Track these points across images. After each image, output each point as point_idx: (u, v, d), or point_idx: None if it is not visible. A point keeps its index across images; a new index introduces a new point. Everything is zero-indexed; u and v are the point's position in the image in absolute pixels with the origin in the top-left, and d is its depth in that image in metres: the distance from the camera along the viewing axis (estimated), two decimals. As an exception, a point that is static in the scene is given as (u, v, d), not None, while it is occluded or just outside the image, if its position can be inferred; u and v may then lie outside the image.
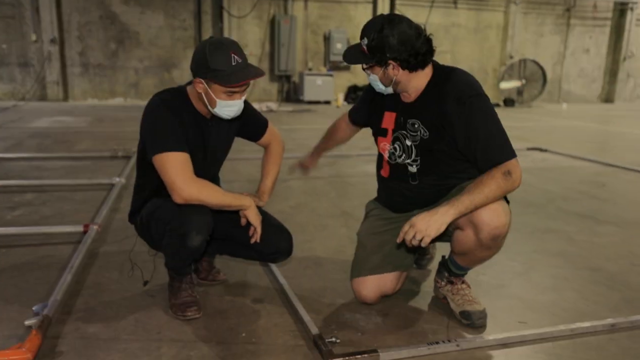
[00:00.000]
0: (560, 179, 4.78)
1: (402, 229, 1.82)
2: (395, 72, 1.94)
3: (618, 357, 1.84)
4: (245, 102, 2.06)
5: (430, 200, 2.09)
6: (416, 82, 1.99)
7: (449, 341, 1.87)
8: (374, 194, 2.36)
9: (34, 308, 1.94)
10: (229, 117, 2.02)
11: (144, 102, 2.22)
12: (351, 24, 12.47)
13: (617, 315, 2.11)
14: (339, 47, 12.19)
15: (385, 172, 2.19)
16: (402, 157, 2.08)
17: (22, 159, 5.04)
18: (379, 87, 2.03)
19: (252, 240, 2.09)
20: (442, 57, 12.98)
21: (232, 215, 2.09)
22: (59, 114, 8.94)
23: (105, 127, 7.61)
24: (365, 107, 2.29)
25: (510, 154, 1.86)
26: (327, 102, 12.02)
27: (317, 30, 12.43)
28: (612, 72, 14.84)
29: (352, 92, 12.53)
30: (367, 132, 2.36)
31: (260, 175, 2.32)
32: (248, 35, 11.83)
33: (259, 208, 2.14)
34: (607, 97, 15.00)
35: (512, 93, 13.13)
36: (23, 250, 2.70)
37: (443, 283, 2.17)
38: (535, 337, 1.94)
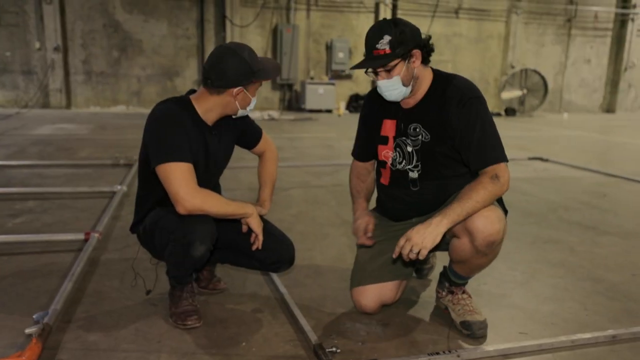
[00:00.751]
0: (562, 189, 4.78)
1: (397, 243, 1.83)
2: (416, 63, 1.97)
3: (619, 369, 1.83)
4: None
5: (431, 207, 2.10)
6: (424, 81, 2.03)
7: (450, 352, 1.86)
8: (374, 204, 2.36)
9: (34, 316, 1.94)
10: (247, 113, 2.13)
11: (146, 110, 2.23)
12: (353, 33, 12.54)
13: (617, 327, 2.10)
14: (341, 56, 12.25)
15: (385, 180, 2.20)
16: (403, 164, 2.10)
17: (24, 167, 5.06)
18: (398, 91, 1.98)
19: (254, 247, 2.09)
20: (444, 66, 13.02)
21: (234, 224, 2.10)
22: (62, 121, 8.98)
23: (107, 134, 7.64)
24: (363, 133, 2.28)
25: (501, 156, 1.92)
26: (329, 111, 12.05)
27: (319, 39, 12.49)
28: (613, 83, 14.87)
29: (354, 101, 12.57)
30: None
31: (259, 184, 2.34)
32: (250, 44, 11.79)
33: (262, 218, 2.15)
34: (609, 107, 15.02)
35: (514, 103, 13.16)
36: (24, 258, 2.70)
37: (444, 293, 2.17)
38: (535, 348, 1.93)
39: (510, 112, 13.00)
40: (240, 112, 2.07)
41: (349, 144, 2.52)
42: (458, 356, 1.85)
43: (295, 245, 2.24)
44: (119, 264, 2.64)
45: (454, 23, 13.25)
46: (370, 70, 2.00)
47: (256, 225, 2.05)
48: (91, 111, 11.14)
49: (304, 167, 5.36)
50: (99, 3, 11.10)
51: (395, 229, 2.18)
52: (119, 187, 4.07)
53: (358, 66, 1.99)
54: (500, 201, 2.04)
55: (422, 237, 1.78)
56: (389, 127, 2.13)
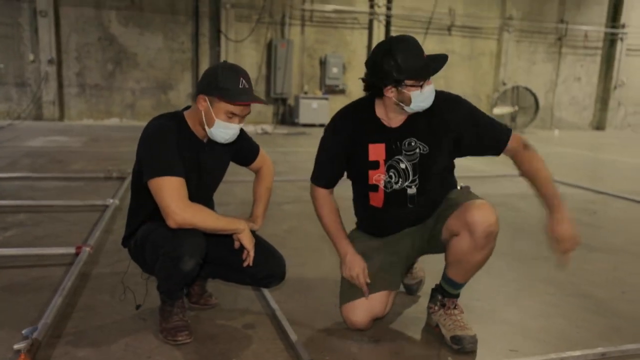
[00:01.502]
0: (552, 206, 4.80)
1: (555, 247, 2.00)
2: None
3: (608, 386, 1.84)
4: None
5: (422, 218, 2.18)
6: None
7: (440, 368, 1.87)
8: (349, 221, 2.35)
9: (23, 331, 1.93)
10: (224, 141, 2.05)
11: (139, 123, 2.24)
12: (347, 49, 12.66)
13: (606, 344, 2.12)
14: (335, 71, 12.35)
15: (378, 202, 2.17)
16: (400, 183, 2.11)
17: (15, 179, 5.04)
18: (430, 100, 2.01)
19: (245, 264, 2.09)
20: (436, 82, 12.99)
21: (225, 239, 2.10)
22: (54, 133, 8.96)
23: (100, 147, 7.63)
24: (334, 160, 2.18)
25: (508, 128, 2.14)
26: (322, 126, 12.05)
27: (313, 55, 12.59)
28: (603, 100, 15.06)
29: (347, 116, 12.61)
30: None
31: (253, 200, 2.34)
32: (245, 58, 11.96)
33: (253, 232, 2.15)
34: (599, 125, 15.19)
35: (505, 119, 13.26)
36: (14, 272, 2.69)
37: (436, 308, 2.17)
38: (525, 365, 1.94)
39: (502, 128, 13.10)
40: (210, 131, 2.00)
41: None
42: (448, 373, 1.85)
43: (287, 260, 2.25)
44: (110, 278, 2.63)
45: (447, 40, 13.41)
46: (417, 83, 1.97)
47: (248, 242, 2.06)
48: (84, 124, 11.12)
49: (297, 181, 5.37)
50: (95, 17, 11.14)
51: (382, 243, 2.21)
52: (111, 200, 4.06)
53: (435, 68, 1.95)
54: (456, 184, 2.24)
55: (572, 231, 2.00)
56: (377, 152, 2.09)
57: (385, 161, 2.11)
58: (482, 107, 13.59)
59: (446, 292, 2.15)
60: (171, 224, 1.88)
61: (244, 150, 2.30)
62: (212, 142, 2.12)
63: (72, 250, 2.88)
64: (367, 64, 2.02)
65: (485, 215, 1.93)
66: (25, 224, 3.57)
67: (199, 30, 11.67)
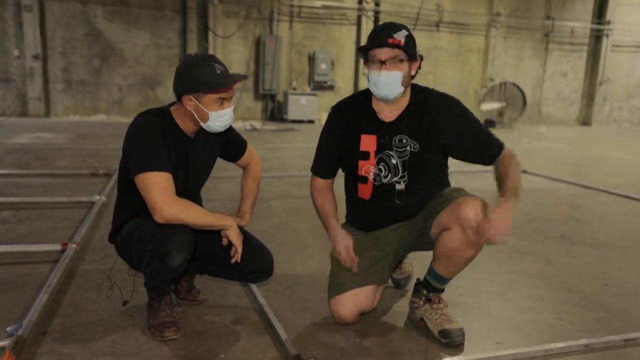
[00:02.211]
0: (539, 200, 4.86)
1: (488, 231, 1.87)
2: (413, 70, 2.06)
3: (591, 378, 1.87)
4: None
5: (410, 214, 2.19)
6: (407, 92, 2.12)
7: (427, 362, 1.88)
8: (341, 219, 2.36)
9: (8, 329, 1.91)
10: (223, 128, 2.04)
11: (126, 120, 2.23)
12: (335, 45, 12.65)
13: (590, 336, 2.15)
14: (324, 67, 12.33)
15: (365, 194, 2.20)
16: (389, 177, 2.13)
17: (0, 176, 4.97)
18: (395, 89, 2.02)
19: (233, 260, 2.09)
20: (425, 78, 13.22)
21: (213, 235, 2.10)
22: (40, 130, 8.85)
23: (87, 144, 7.55)
24: (331, 149, 2.22)
25: (501, 145, 2.15)
26: (311, 122, 12.08)
27: (301, 51, 12.56)
28: (589, 96, 15.21)
29: (336, 112, 12.61)
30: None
31: (240, 196, 2.34)
32: (233, 54, 11.90)
33: (241, 228, 2.15)
34: (585, 120, 15.35)
35: (493, 115, 13.36)
36: (-1, 269, 2.66)
37: (421, 302, 2.19)
38: (511, 357, 1.96)
39: (489, 123, 13.18)
40: (207, 125, 2.00)
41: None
42: (435, 366, 1.87)
43: (275, 256, 2.25)
44: (96, 275, 2.61)
45: (435, 36, 13.45)
46: (374, 58, 1.99)
47: (235, 238, 2.05)
48: (71, 120, 11.00)
49: (286, 177, 5.37)
50: (80, 12, 11.00)
51: (369, 237, 2.22)
52: (97, 197, 4.02)
53: (373, 45, 1.98)
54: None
55: (506, 222, 1.88)
56: (368, 142, 2.13)
57: (376, 153, 2.13)
58: (470, 103, 13.71)
59: (432, 286, 2.16)
60: (158, 219, 1.87)
61: (231, 145, 2.29)
62: (199, 138, 2.11)
63: (57, 247, 2.85)
64: None
65: (478, 212, 1.94)
66: (9, 221, 3.52)
67: (187, 26, 11.59)
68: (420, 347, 2.03)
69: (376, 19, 12.66)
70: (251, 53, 12.12)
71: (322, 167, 2.27)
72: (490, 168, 2.17)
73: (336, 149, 2.21)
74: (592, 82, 15.06)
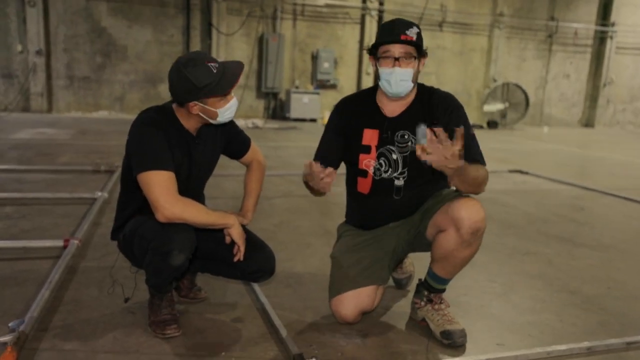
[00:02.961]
0: (541, 202, 4.85)
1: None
2: (422, 67, 2.08)
3: (593, 380, 1.87)
4: (231, 120, 2.10)
5: (408, 212, 2.19)
6: (414, 88, 2.13)
7: (428, 362, 1.88)
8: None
9: (9, 324, 1.91)
10: (232, 116, 2.06)
11: (128, 116, 2.23)
12: (338, 44, 12.64)
13: (592, 339, 2.14)
14: (326, 66, 12.33)
15: (364, 189, 2.20)
16: (389, 172, 2.13)
17: (1, 171, 4.97)
18: (407, 84, 2.03)
19: (235, 259, 2.08)
20: (428, 77, 13.21)
21: (215, 234, 2.10)
22: (42, 125, 8.85)
23: (89, 140, 7.56)
24: (332, 140, 2.23)
25: (484, 161, 2.08)
26: (313, 120, 12.08)
27: (304, 49, 12.55)
28: (592, 98, 15.18)
29: (338, 111, 12.59)
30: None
31: (243, 193, 2.34)
32: (236, 52, 11.90)
33: (243, 226, 2.14)
34: (588, 122, 15.33)
35: (496, 115, 13.34)
36: (0, 265, 2.66)
37: (422, 303, 2.18)
38: (512, 359, 1.96)
39: (492, 124, 13.18)
40: (217, 121, 2.02)
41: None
42: (436, 367, 1.86)
43: (276, 254, 2.25)
44: (97, 271, 2.61)
45: (438, 36, 13.43)
46: (386, 54, 1.99)
47: (238, 236, 2.04)
48: (73, 116, 11.00)
49: (288, 176, 5.36)
50: (84, 8, 11.01)
51: (371, 237, 2.22)
52: (99, 193, 4.02)
53: (386, 40, 1.99)
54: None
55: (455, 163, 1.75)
56: (370, 136, 2.15)
57: (377, 147, 2.14)
58: (473, 103, 13.71)
59: (432, 287, 2.16)
60: (160, 218, 1.87)
61: (235, 143, 2.28)
62: (202, 135, 2.10)
63: (59, 243, 2.85)
64: None
65: (473, 212, 1.94)
66: (12, 217, 3.53)
67: (190, 23, 11.58)
68: (421, 348, 2.03)
69: (380, 18, 12.64)
70: (254, 51, 12.11)
71: (321, 154, 2.23)
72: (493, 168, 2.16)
73: (337, 138, 2.21)
74: (595, 83, 15.03)
